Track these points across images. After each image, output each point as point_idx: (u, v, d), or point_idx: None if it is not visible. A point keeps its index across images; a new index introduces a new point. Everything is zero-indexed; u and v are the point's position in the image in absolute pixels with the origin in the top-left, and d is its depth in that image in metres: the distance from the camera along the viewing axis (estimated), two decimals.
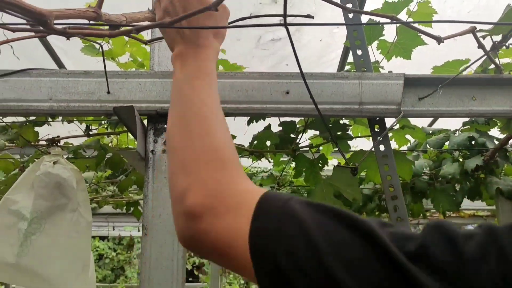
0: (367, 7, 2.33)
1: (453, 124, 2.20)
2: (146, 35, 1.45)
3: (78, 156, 1.44)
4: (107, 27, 0.73)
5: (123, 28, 0.73)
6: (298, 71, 1.06)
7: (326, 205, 0.49)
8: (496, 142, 1.83)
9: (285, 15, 0.64)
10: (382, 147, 1.13)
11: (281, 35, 2.97)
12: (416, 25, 1.27)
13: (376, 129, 1.13)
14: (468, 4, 2.68)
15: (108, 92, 1.04)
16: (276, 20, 1.14)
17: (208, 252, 0.53)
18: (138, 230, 5.02)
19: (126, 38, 1.29)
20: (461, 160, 1.95)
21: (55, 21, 0.56)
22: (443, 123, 2.45)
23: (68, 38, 0.56)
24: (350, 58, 3.08)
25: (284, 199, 0.50)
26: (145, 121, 1.10)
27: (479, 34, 1.15)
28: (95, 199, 2.51)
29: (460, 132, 1.91)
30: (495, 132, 1.93)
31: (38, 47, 2.96)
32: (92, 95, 1.04)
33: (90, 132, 1.41)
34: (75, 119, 1.45)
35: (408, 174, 1.33)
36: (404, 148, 1.90)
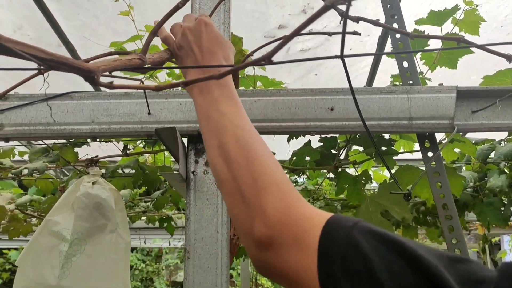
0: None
1: (494, 133, 2.11)
2: None
3: (115, 175, 1.43)
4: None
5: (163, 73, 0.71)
6: (331, 81, 1.02)
7: (392, 237, 0.46)
8: None
9: (342, 48, 0.61)
10: (433, 163, 1.07)
11: (310, 45, 2.94)
12: (462, 33, 1.21)
13: (426, 145, 1.08)
14: (505, 9, 2.59)
15: (149, 113, 1.02)
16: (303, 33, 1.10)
17: (278, 279, 0.54)
18: (169, 244, 5.03)
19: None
20: (508, 171, 1.86)
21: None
22: (486, 133, 2.36)
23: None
24: (384, 66, 3.01)
25: (348, 227, 0.48)
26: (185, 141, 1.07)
27: None
28: (128, 214, 2.51)
29: (506, 142, 1.83)
30: None
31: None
32: (133, 117, 1.02)
33: (128, 152, 1.40)
34: (113, 139, 1.45)
35: (458, 190, 1.26)
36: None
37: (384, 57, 2.98)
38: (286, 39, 0.47)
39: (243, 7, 2.71)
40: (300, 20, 2.67)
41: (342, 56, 0.62)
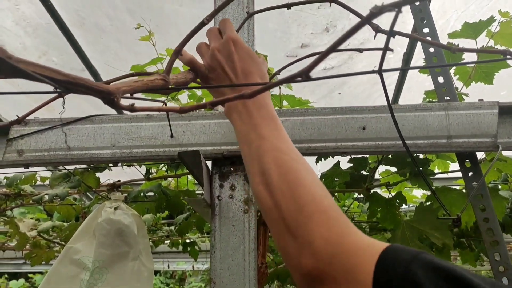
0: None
1: None
2: None
3: (138, 199, 1.39)
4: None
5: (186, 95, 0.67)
6: (354, 100, 0.97)
7: (459, 275, 0.40)
8: None
9: (381, 62, 0.55)
10: (473, 183, 1.00)
11: (333, 64, 2.89)
12: (498, 46, 1.15)
13: (466, 165, 1.00)
14: None
15: (172, 136, 0.98)
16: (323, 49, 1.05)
17: None
18: (193, 268, 4.97)
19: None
20: None
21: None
22: None
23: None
24: (409, 84, 2.93)
25: (407, 261, 0.42)
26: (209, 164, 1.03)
27: None
28: (152, 238, 2.47)
29: None
30: None
31: None
32: (155, 140, 0.98)
33: (150, 176, 1.36)
34: (135, 163, 1.42)
35: (501, 213, 1.17)
36: None
37: (408, 75, 2.91)
38: (324, 54, 0.42)
39: (265, 27, 2.70)
40: (322, 38, 2.64)
41: (380, 71, 0.57)
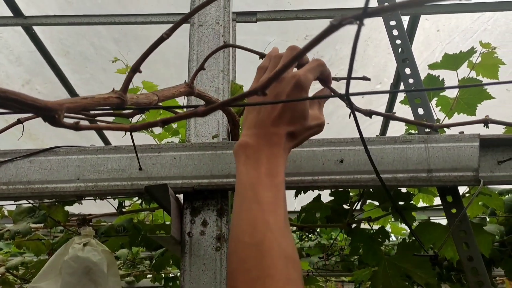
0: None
1: None
2: (180, 101, 1.37)
3: (112, 234, 1.33)
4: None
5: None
6: (344, 130, 0.93)
7: None
8: None
9: (348, 80, 0.52)
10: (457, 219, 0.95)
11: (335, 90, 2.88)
12: (480, 78, 1.13)
13: (448, 199, 0.96)
14: None
15: (140, 169, 0.93)
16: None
17: None
18: None
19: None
20: None
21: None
22: None
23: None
24: (397, 114, 2.90)
25: None
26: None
27: None
28: (133, 273, 2.37)
29: None
30: None
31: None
32: (122, 173, 0.93)
33: (124, 209, 1.31)
34: (109, 196, 1.36)
35: (487, 249, 1.12)
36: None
37: (397, 106, 2.91)
38: (283, 68, 0.38)
39: (250, 56, 2.70)
40: (302, 45, 2.63)
41: (347, 95, 0.53)
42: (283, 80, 0.62)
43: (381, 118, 2.94)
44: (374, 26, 2.41)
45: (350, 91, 0.53)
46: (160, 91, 0.66)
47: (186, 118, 0.39)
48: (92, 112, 0.82)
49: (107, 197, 1.08)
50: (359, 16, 0.32)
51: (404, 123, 1.26)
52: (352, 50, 0.37)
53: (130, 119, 0.93)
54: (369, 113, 0.70)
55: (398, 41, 1.05)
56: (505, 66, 2.51)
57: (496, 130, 1.04)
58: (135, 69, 0.52)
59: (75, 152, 0.94)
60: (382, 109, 2.92)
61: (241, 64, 1.47)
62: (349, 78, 0.50)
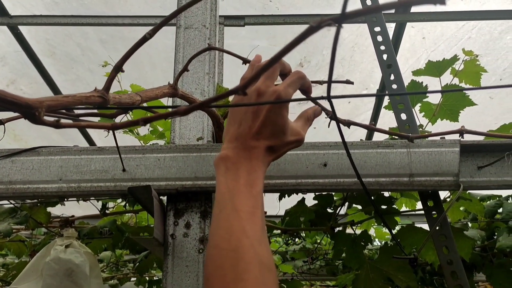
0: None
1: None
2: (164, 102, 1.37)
3: (95, 236, 1.32)
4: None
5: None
6: (332, 135, 0.95)
7: None
8: None
9: (329, 84, 0.53)
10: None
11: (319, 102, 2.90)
12: (463, 85, 1.15)
13: (429, 204, 0.98)
14: (503, 62, 2.57)
15: (124, 170, 0.93)
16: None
17: None
18: None
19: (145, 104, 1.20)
20: None
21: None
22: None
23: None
24: (382, 120, 2.94)
25: None
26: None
27: None
28: (116, 276, 2.35)
29: None
30: None
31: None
32: (106, 174, 0.93)
33: (107, 211, 1.30)
34: (92, 197, 1.35)
35: (467, 253, 1.14)
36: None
37: (382, 111, 2.94)
38: (262, 68, 0.39)
39: (238, 60, 2.71)
40: None
41: (329, 97, 0.54)
42: (264, 95, 0.63)
43: (369, 120, 2.97)
44: (361, 32, 2.44)
45: (336, 93, 0.54)
46: (143, 92, 0.66)
47: (167, 117, 0.40)
48: (76, 112, 0.82)
49: (90, 198, 1.07)
50: (337, 19, 0.33)
51: (390, 127, 1.28)
52: (332, 52, 0.38)
53: (113, 119, 0.93)
54: (348, 124, 0.71)
55: (383, 47, 1.07)
56: (488, 74, 2.55)
57: (478, 136, 1.06)
58: (118, 67, 0.52)
59: (58, 152, 0.94)
60: (368, 114, 2.94)
61: (229, 68, 1.48)
62: (330, 81, 0.51)
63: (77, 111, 0.78)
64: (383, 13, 1.11)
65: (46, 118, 0.45)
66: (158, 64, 2.57)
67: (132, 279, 2.65)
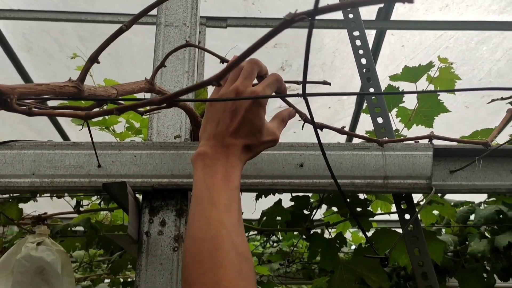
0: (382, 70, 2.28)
1: (473, 195, 2.04)
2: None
3: (68, 234, 1.29)
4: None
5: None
6: (311, 141, 0.96)
7: None
8: None
9: (304, 85, 0.53)
10: (410, 226, 0.98)
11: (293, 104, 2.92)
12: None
13: (402, 206, 0.99)
14: (479, 72, 2.64)
15: (99, 166, 0.92)
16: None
17: None
18: None
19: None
20: (488, 235, 1.78)
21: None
22: (463, 194, 2.29)
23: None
24: (362, 125, 2.98)
25: None
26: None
27: (495, 103, 1.05)
28: (90, 277, 2.31)
29: (485, 205, 1.76)
30: None
31: (44, 118, 2.92)
32: (80, 169, 0.92)
33: (81, 209, 1.27)
34: (66, 194, 1.33)
35: (439, 256, 1.16)
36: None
37: (362, 117, 2.97)
38: (236, 60, 0.39)
39: (220, 63, 2.71)
40: (270, 53, 2.64)
41: (304, 95, 0.54)
42: (242, 95, 0.64)
43: (349, 125, 3.00)
44: (342, 39, 2.47)
45: (316, 99, 0.54)
46: (119, 86, 0.66)
47: (142, 106, 0.40)
48: (50, 105, 0.80)
49: (64, 194, 1.05)
50: (310, 13, 0.33)
51: (371, 130, 1.30)
52: (306, 47, 0.39)
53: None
54: (320, 127, 0.72)
55: (361, 51, 1.08)
56: (464, 83, 2.60)
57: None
58: (93, 59, 0.52)
59: (31, 146, 0.92)
60: (348, 120, 2.97)
61: (211, 68, 1.48)
62: (304, 80, 0.52)
63: (51, 105, 0.76)
64: (363, 20, 1.13)
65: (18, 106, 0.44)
66: (139, 63, 2.55)
67: (106, 280, 2.61)
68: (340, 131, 0.79)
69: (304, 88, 0.54)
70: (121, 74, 2.65)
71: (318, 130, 0.73)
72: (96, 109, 0.65)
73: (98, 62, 0.55)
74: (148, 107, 1.01)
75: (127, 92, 0.67)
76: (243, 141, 0.64)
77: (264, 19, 2.11)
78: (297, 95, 0.55)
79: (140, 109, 0.83)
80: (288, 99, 0.81)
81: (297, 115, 0.81)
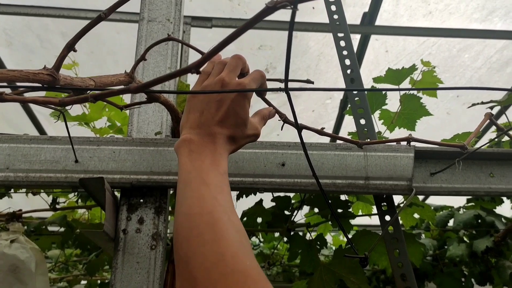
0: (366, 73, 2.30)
1: (452, 200, 2.07)
2: (126, 99, 1.34)
3: (43, 232, 1.26)
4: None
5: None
6: (293, 141, 0.95)
7: None
8: (505, 221, 1.70)
9: (286, 80, 0.52)
10: (390, 228, 0.98)
11: (275, 104, 2.92)
12: (420, 94, 1.18)
13: (383, 208, 0.99)
14: (461, 79, 2.68)
15: (76, 161, 0.90)
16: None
17: None
18: None
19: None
20: (467, 240, 1.80)
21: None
22: (440, 198, 2.31)
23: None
24: (345, 129, 3.00)
25: None
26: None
27: (476, 111, 1.06)
28: (66, 278, 2.26)
29: (464, 210, 1.78)
30: (500, 209, 1.80)
31: (22, 114, 2.86)
32: (56, 164, 0.89)
33: (58, 206, 1.24)
34: (41, 191, 1.29)
35: (418, 259, 1.17)
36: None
37: (346, 121, 2.98)
38: (217, 47, 0.38)
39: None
40: (256, 54, 2.63)
41: (286, 90, 0.54)
42: (228, 86, 0.63)
43: (332, 128, 3.01)
44: (327, 42, 2.48)
45: (300, 102, 0.54)
46: (98, 77, 0.64)
47: (118, 94, 0.38)
48: (26, 97, 0.78)
49: (40, 190, 1.02)
50: (293, 1, 0.32)
51: (354, 132, 1.30)
52: (288, 37, 0.38)
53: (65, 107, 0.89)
54: (300, 128, 0.71)
55: (345, 52, 1.08)
56: (443, 92, 2.62)
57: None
58: (70, 46, 0.51)
59: (6, 140, 0.89)
60: (331, 124, 2.99)
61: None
62: (286, 74, 0.51)
63: (26, 96, 0.74)
64: (349, 24, 1.13)
65: None
66: (122, 62, 2.51)
67: (83, 282, 2.56)
68: (320, 132, 0.79)
69: (286, 83, 0.53)
70: (104, 72, 2.61)
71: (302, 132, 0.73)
72: (77, 110, 0.64)
73: (75, 51, 0.53)
74: (128, 102, 0.99)
75: (105, 84, 0.66)
76: (228, 132, 0.63)
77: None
78: (279, 89, 0.55)
79: (120, 104, 0.81)
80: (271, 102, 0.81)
81: (277, 116, 0.80)
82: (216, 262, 0.46)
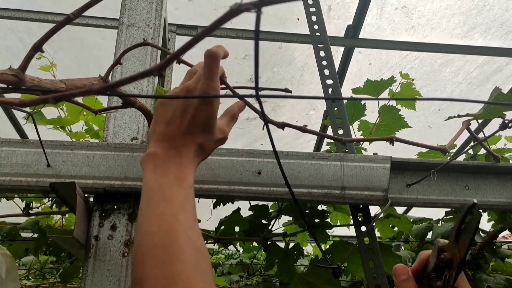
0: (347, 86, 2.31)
1: (433, 212, 2.09)
2: (103, 102, 1.32)
3: (16, 238, 1.23)
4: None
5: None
6: (273, 149, 0.95)
7: None
8: (482, 235, 1.71)
9: (256, 87, 0.52)
10: (366, 239, 0.98)
11: (256, 114, 2.92)
12: (399, 107, 1.19)
13: (359, 218, 0.99)
14: (442, 94, 2.71)
15: (48, 165, 0.88)
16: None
17: None
18: None
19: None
20: None
21: None
22: (421, 210, 2.33)
23: None
24: (329, 141, 3.01)
25: None
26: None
27: (456, 124, 1.08)
28: (42, 285, 2.21)
29: (443, 222, 1.79)
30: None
31: (3, 118, 2.81)
32: (28, 168, 0.88)
33: (31, 211, 1.22)
34: (16, 195, 1.27)
35: None
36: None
37: (329, 131, 3.00)
38: (180, 49, 0.37)
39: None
40: (240, 64, 2.63)
41: (257, 96, 0.53)
42: (192, 92, 0.62)
43: (313, 144, 3.02)
44: (311, 53, 2.49)
45: (284, 112, 0.53)
46: (69, 80, 0.63)
47: (81, 95, 0.38)
48: None
49: (14, 195, 1.00)
50: (257, 3, 0.32)
51: (333, 142, 1.30)
52: (255, 40, 0.38)
53: (34, 108, 0.88)
54: (282, 125, 0.71)
55: (324, 62, 1.09)
56: (427, 104, 2.64)
57: (407, 155, 1.10)
58: (37, 47, 0.50)
59: None
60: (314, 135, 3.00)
61: (181, 75, 1.46)
62: (256, 80, 0.51)
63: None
64: (332, 37, 1.14)
65: None
66: (105, 67, 2.48)
67: None
68: (302, 129, 0.78)
69: (256, 89, 0.53)
70: (86, 74, 2.60)
71: (286, 141, 0.72)
72: (48, 113, 0.62)
73: (42, 51, 0.52)
74: (104, 106, 0.98)
75: (77, 87, 0.64)
76: (196, 140, 0.62)
77: (235, 30, 2.12)
78: (250, 95, 0.54)
79: (95, 109, 0.80)
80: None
81: (261, 125, 0.80)
82: (166, 286, 0.45)
